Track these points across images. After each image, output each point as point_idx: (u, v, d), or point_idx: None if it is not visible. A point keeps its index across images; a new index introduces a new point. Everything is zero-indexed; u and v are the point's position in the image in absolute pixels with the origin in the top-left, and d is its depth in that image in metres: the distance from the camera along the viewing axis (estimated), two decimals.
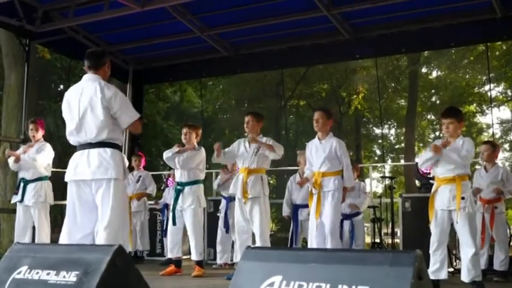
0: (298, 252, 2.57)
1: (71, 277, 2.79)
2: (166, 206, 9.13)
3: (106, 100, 4.74)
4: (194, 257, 7.03)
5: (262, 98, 23.49)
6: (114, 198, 4.73)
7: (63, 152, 19.11)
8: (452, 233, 7.83)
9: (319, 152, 6.42)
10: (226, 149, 6.96)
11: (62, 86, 21.67)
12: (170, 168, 9.67)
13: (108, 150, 4.78)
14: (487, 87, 22.49)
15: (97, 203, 4.78)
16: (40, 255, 3.00)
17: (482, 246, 6.88)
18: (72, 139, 4.94)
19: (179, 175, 7.20)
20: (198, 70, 11.18)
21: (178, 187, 7.14)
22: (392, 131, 27.75)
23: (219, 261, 8.47)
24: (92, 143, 4.80)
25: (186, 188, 7.11)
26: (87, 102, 4.77)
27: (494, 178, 7.00)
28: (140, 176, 9.05)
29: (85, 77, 4.96)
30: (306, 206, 8.15)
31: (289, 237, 8.05)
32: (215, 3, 8.72)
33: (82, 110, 4.79)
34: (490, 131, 23.53)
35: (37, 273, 2.90)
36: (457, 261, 7.81)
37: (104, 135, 4.76)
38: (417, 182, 9.55)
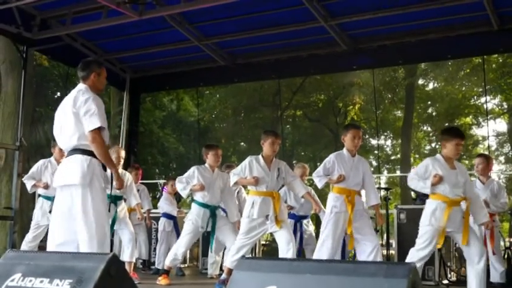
0: (293, 262, 2.56)
1: (65, 285, 2.78)
2: (166, 215, 9.08)
3: (77, 106, 4.80)
4: None
5: (259, 107, 23.50)
6: (83, 205, 4.70)
7: None
8: (447, 246, 7.86)
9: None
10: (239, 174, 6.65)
11: (59, 93, 21.64)
12: (165, 177, 9.59)
13: (78, 156, 4.79)
14: (483, 100, 22.57)
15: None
16: (33, 262, 2.98)
17: None
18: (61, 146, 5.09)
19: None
20: (195, 79, 11.19)
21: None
22: (389, 142, 27.80)
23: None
24: (69, 149, 4.87)
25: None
26: (66, 108, 4.88)
27: (491, 191, 7.01)
28: (138, 190, 8.94)
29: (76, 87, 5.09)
30: (306, 217, 8.18)
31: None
32: (213, 12, 8.72)
33: (62, 117, 4.90)
34: (486, 143, 23.58)
35: (30, 281, 2.89)
36: (452, 273, 7.82)
37: (74, 141, 4.80)
38: (412, 194, 9.55)
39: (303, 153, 26.17)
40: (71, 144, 4.84)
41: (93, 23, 8.69)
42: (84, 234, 4.68)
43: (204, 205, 7.17)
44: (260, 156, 6.50)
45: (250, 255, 6.98)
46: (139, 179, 8.87)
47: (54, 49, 9.85)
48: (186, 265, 10.01)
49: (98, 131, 4.76)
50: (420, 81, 24.18)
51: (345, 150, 6.26)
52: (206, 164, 7.36)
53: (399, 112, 24.48)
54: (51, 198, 7.42)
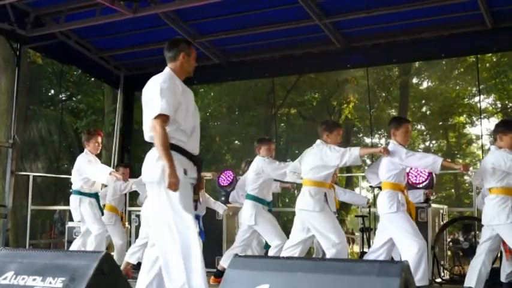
0: (286, 261, 2.57)
1: (57, 283, 2.78)
2: None
3: (146, 93, 4.51)
4: None
5: (253, 106, 23.51)
6: (156, 203, 4.44)
7: (55, 157, 19.10)
8: (441, 245, 7.88)
9: None
10: None
11: (52, 91, 21.60)
12: None
13: (153, 149, 4.44)
14: (476, 99, 22.68)
15: None
16: (26, 260, 2.98)
17: (508, 257, 6.73)
18: None
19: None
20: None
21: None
22: (383, 141, 27.81)
23: None
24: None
25: None
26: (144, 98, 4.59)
27: None
28: None
29: None
30: None
31: None
32: (207, 10, 8.71)
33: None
34: (480, 142, 23.69)
35: (23, 279, 2.89)
36: (445, 272, 7.84)
37: (149, 132, 4.43)
38: None
39: (297, 152, 26.12)
40: (148, 135, 4.48)
41: (87, 20, 8.67)
42: (158, 235, 4.34)
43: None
44: None
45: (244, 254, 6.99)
46: (127, 177, 8.69)
47: (48, 46, 9.81)
48: None
49: (159, 119, 4.28)
50: (414, 80, 24.29)
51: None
52: None
53: (393, 111, 24.57)
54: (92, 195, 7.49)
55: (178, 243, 4.20)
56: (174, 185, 4.19)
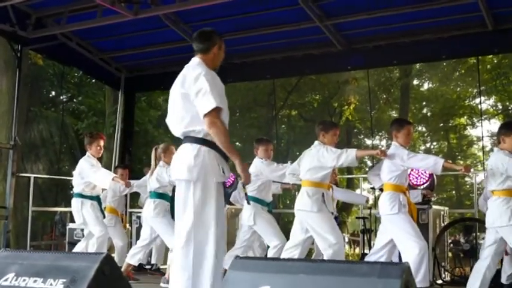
0: (286, 262, 2.57)
1: (58, 285, 2.78)
2: None
3: (186, 85, 4.17)
4: None
5: (254, 107, 23.49)
6: (187, 203, 4.17)
7: (56, 159, 19.12)
8: (441, 246, 7.88)
9: None
10: None
11: (53, 93, 21.60)
12: None
13: (187, 145, 4.23)
14: (477, 100, 22.66)
15: None
16: (27, 262, 2.98)
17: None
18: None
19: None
20: None
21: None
22: (383, 142, 27.84)
23: None
24: (181, 137, 4.30)
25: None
26: (175, 89, 4.30)
27: None
28: None
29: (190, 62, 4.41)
30: None
31: None
32: (208, 12, 8.72)
33: (171, 100, 4.34)
34: (480, 143, 23.68)
35: (24, 280, 2.88)
36: (446, 273, 7.84)
37: (183, 127, 4.22)
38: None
39: (298, 153, 26.09)
40: (180, 131, 4.24)
41: (88, 22, 8.68)
42: (181, 237, 4.09)
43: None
44: None
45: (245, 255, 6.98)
46: (126, 178, 8.62)
47: (49, 48, 9.83)
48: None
49: (215, 112, 4.04)
50: (415, 82, 24.29)
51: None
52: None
53: (394, 112, 24.54)
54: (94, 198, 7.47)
55: (191, 260, 4.01)
56: (249, 178, 4.26)
